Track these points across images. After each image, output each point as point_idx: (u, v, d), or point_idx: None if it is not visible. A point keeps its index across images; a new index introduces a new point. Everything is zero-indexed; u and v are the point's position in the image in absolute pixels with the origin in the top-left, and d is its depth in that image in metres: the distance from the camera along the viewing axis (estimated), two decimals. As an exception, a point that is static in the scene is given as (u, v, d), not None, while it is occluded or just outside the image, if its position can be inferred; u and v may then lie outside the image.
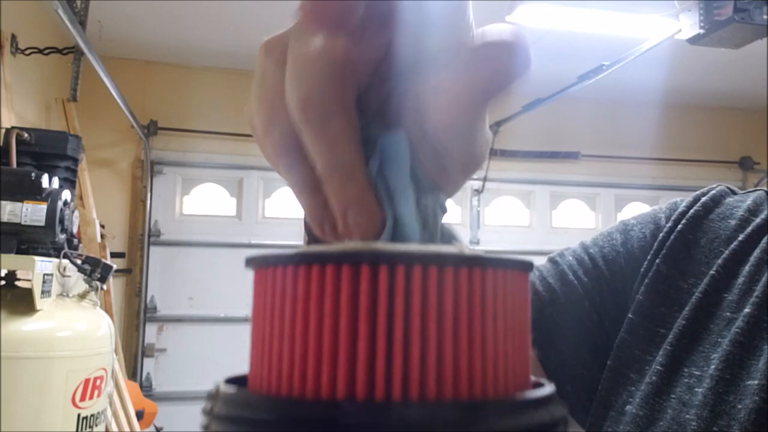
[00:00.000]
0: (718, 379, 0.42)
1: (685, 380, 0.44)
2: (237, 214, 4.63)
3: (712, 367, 0.43)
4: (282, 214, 4.69)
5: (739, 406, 0.41)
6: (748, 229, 0.48)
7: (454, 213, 4.90)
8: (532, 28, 3.51)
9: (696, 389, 0.43)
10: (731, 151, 5.29)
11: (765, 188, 0.52)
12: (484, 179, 4.84)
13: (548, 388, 0.24)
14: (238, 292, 4.43)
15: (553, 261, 0.57)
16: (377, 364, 0.22)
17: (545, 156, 4.98)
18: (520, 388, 0.24)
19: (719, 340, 0.44)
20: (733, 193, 0.54)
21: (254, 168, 4.56)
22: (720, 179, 5.28)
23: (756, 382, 0.41)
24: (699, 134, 5.24)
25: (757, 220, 0.48)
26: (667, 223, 0.52)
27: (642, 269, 0.51)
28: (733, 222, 0.49)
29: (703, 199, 0.52)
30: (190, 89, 4.53)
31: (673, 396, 0.45)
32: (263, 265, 0.24)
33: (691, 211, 0.51)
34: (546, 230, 4.99)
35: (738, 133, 5.28)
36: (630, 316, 0.50)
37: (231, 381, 0.25)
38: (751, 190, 0.53)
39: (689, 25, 2.52)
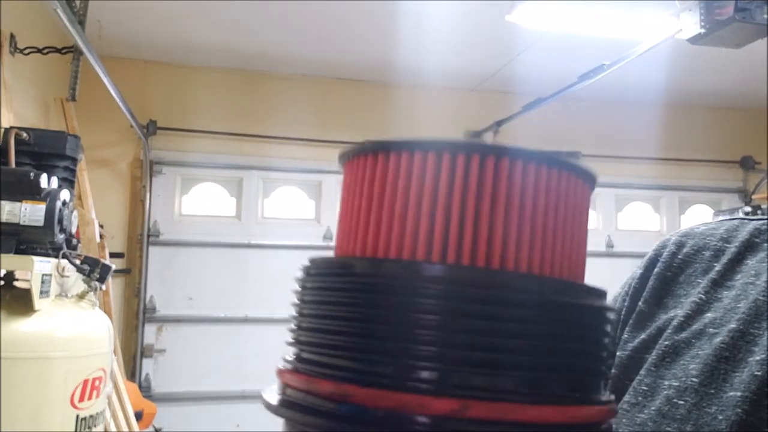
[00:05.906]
0: (703, 394, 0.42)
1: (665, 392, 0.45)
2: (236, 214, 4.62)
3: (694, 380, 0.43)
4: (281, 215, 4.69)
5: (721, 417, 0.40)
6: (724, 258, 0.50)
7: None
8: (532, 28, 3.51)
9: (676, 401, 0.43)
10: (732, 151, 5.28)
11: (740, 216, 0.55)
12: (484, 179, 4.83)
13: (601, 289, 0.27)
14: (237, 292, 4.42)
15: None
16: (450, 236, 0.25)
17: (545, 156, 4.97)
18: (576, 278, 0.27)
19: (699, 353, 0.45)
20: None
21: (254, 168, 4.55)
22: (721, 179, 5.26)
23: (739, 393, 0.41)
24: (700, 134, 5.23)
25: (731, 247, 0.50)
26: (639, 270, 0.56)
27: (621, 318, 0.53)
28: (707, 253, 0.52)
29: (674, 238, 0.55)
30: (189, 89, 4.52)
31: (653, 408, 0.45)
32: (348, 158, 0.29)
33: (665, 251, 0.54)
34: (546, 230, 4.97)
35: (739, 132, 5.27)
36: (618, 353, 0.51)
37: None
38: (725, 219, 0.55)
39: (690, 24, 2.51)
